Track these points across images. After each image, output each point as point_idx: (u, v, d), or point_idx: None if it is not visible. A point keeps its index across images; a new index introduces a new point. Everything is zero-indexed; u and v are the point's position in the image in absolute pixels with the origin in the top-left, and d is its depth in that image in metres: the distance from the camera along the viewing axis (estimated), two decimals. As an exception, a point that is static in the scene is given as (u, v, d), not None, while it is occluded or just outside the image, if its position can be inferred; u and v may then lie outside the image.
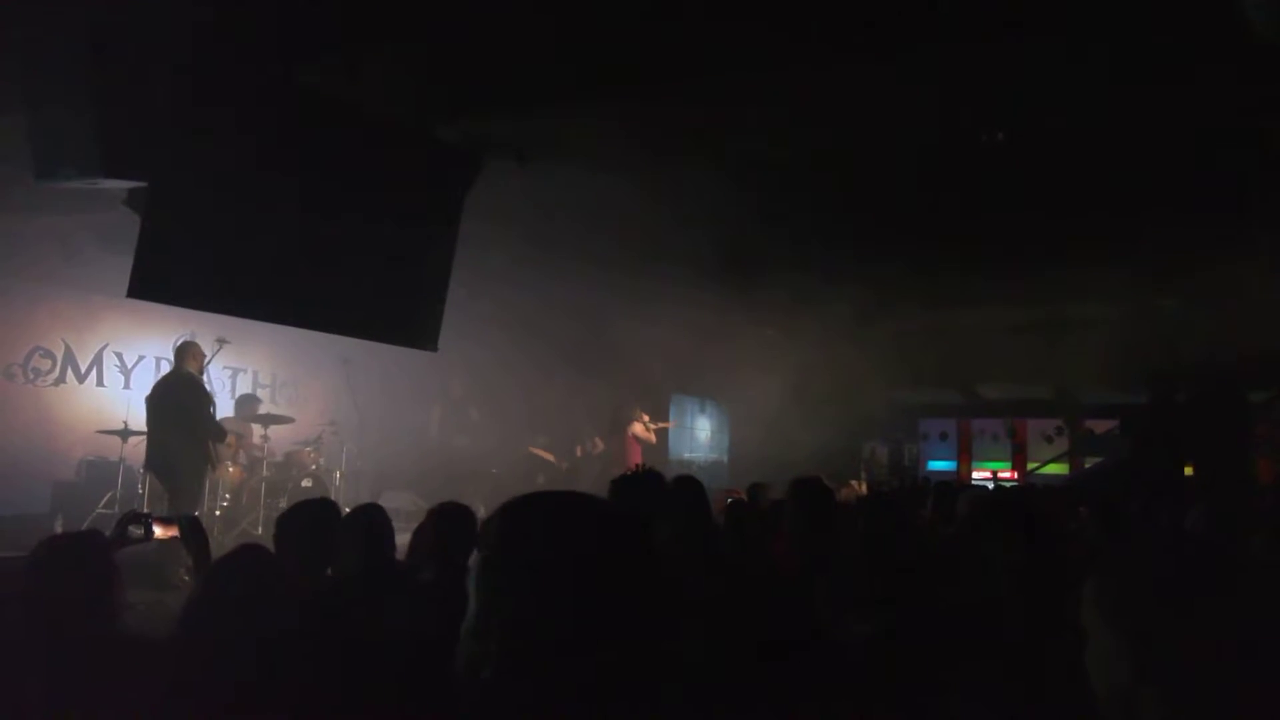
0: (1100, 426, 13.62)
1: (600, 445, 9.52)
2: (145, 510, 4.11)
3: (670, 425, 10.32)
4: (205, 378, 9.06)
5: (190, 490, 6.56)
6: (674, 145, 5.89)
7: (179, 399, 6.74)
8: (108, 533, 2.87)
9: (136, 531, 2.93)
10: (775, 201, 7.04)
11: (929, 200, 6.92)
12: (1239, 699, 0.85)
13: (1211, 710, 0.85)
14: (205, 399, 6.94)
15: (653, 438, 10.05)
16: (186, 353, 7.00)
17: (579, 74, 4.90)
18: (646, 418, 10.05)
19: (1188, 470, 9.98)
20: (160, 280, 4.67)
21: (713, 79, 5.00)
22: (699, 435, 14.98)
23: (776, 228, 7.64)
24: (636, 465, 8.84)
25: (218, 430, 7.12)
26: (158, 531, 2.96)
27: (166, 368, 9.59)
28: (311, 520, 3.01)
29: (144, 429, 6.87)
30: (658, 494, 3.89)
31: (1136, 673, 0.89)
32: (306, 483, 8.58)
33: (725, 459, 15.07)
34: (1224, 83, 4.78)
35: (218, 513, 8.03)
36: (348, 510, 3.34)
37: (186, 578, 6.13)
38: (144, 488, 6.94)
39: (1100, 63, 4.65)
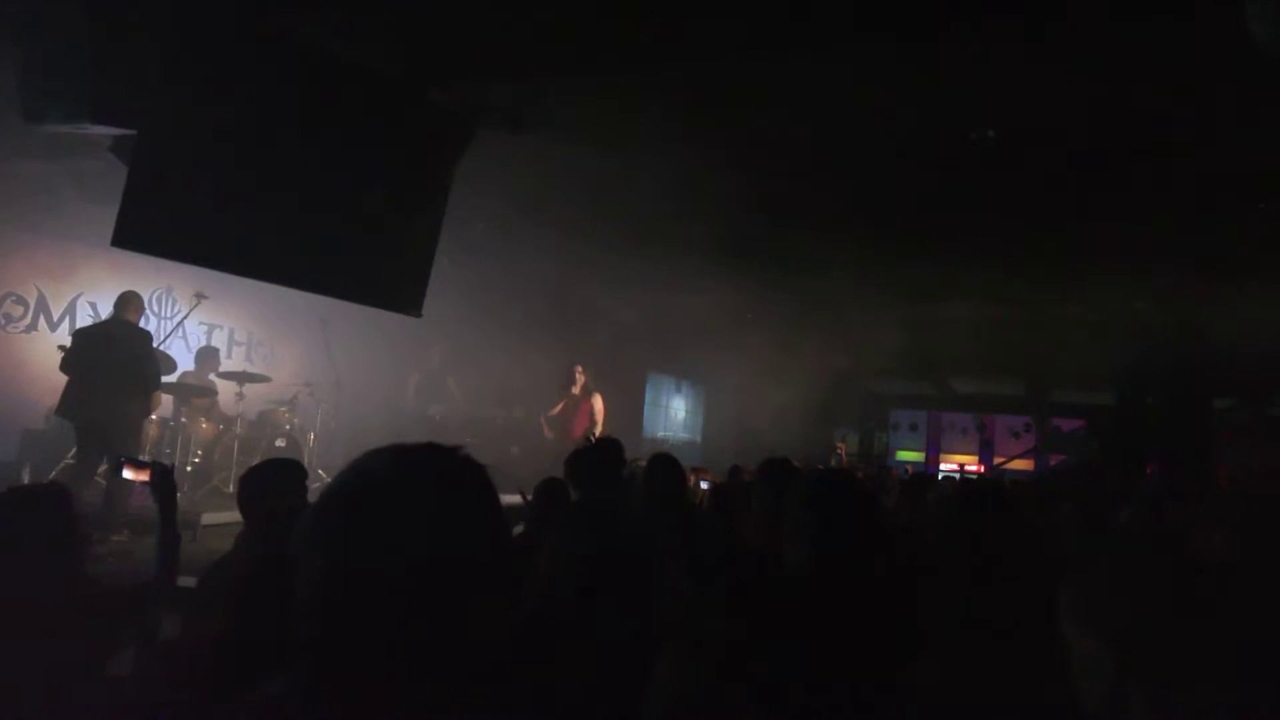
0: (1067, 425, 13.88)
1: (599, 428, 9.46)
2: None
3: (576, 394, 9.26)
4: (180, 332, 9.04)
5: (130, 442, 6.44)
6: (664, 126, 5.89)
7: (133, 349, 6.59)
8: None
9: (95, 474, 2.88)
10: (760, 187, 7.07)
11: (916, 193, 6.98)
12: (1225, 697, 0.84)
13: (1198, 709, 0.85)
14: (153, 350, 6.85)
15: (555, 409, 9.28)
16: (130, 303, 6.81)
17: (576, 45, 4.89)
18: (577, 377, 9.27)
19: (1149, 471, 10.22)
20: (145, 230, 4.63)
21: (706, 61, 5.01)
22: (674, 415, 15.06)
23: (760, 214, 7.67)
24: (587, 435, 8.82)
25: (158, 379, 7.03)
26: (128, 474, 2.93)
27: (142, 320, 9.53)
28: (275, 480, 2.97)
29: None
30: (616, 468, 3.96)
31: (1118, 674, 0.89)
32: (280, 442, 8.55)
33: (699, 439, 15.17)
34: (1202, 87, 4.86)
35: (189, 468, 8.00)
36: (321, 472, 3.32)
37: (125, 535, 6.11)
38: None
39: (1086, 63, 4.71)
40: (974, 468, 14.88)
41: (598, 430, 9.02)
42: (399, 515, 1.00)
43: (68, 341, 7.07)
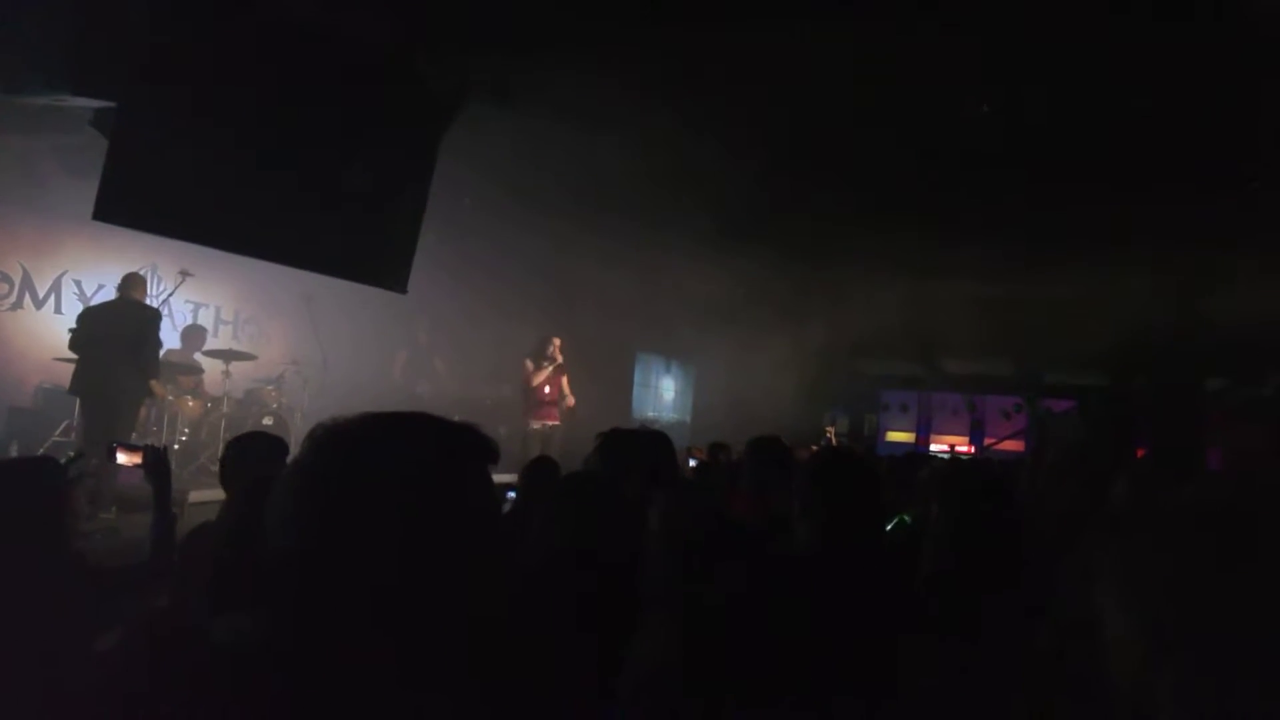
0: (1059, 406, 13.91)
1: (572, 400, 9.37)
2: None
3: (560, 363, 8.92)
4: (165, 310, 8.95)
5: (128, 421, 6.47)
6: (654, 100, 5.83)
7: (139, 329, 6.61)
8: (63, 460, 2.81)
9: (87, 462, 2.87)
10: (752, 165, 7.02)
11: (909, 171, 6.94)
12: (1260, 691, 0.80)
13: (1232, 701, 0.80)
14: (157, 332, 6.84)
15: (537, 377, 8.94)
16: (134, 284, 6.85)
17: (565, 14, 4.82)
18: (551, 349, 8.93)
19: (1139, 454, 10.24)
20: (126, 203, 4.55)
21: (699, 33, 4.94)
22: (663, 395, 15.05)
23: (751, 192, 7.62)
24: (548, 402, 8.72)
25: (158, 365, 7.05)
26: (121, 458, 2.91)
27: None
28: (257, 456, 2.94)
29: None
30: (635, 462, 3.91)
31: (1151, 661, 0.85)
32: (267, 420, 8.50)
33: (688, 420, 15.17)
34: (1197, 65, 4.82)
35: (176, 446, 7.95)
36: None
37: (113, 512, 6.09)
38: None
39: (1083, 39, 4.66)
40: (964, 448, 14.92)
41: (569, 403, 8.96)
42: (381, 467, 1.00)
43: (55, 320, 7.08)
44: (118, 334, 6.52)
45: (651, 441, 4.00)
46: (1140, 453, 10.72)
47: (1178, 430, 10.21)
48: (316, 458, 1.03)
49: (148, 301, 7.13)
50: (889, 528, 3.31)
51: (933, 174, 6.93)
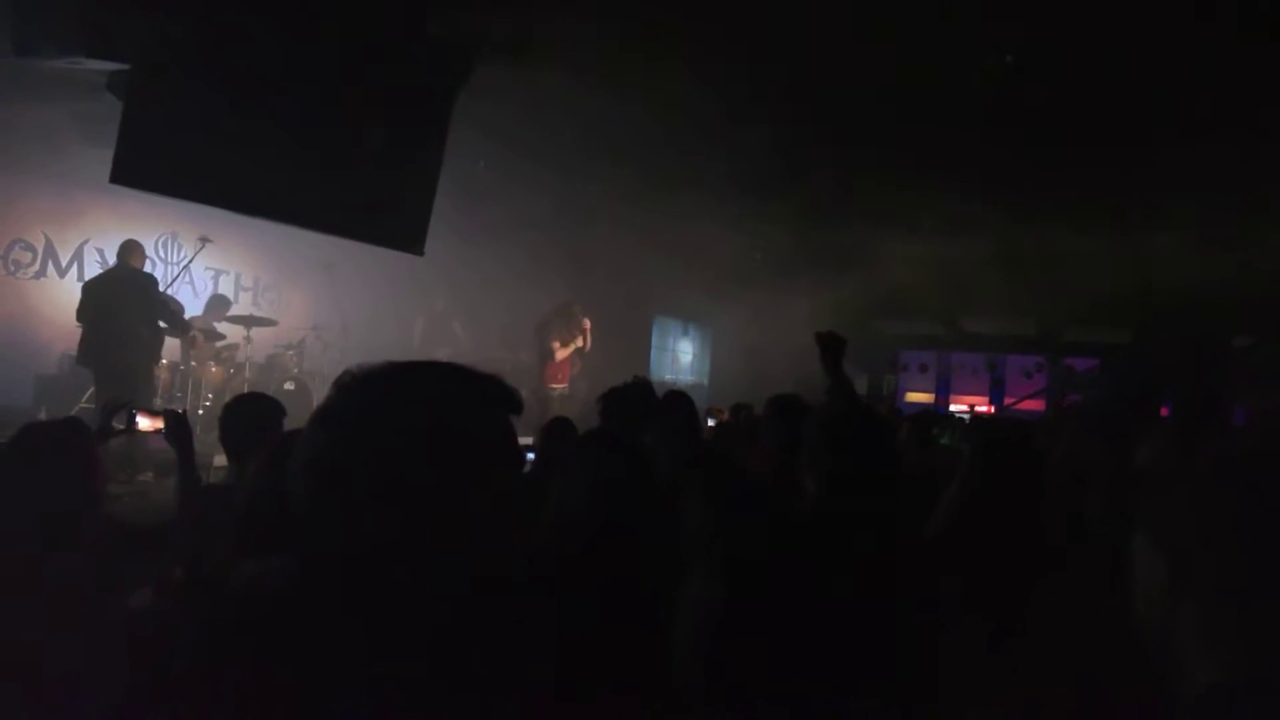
0: (1080, 365, 13.78)
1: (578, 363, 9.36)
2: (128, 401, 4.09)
3: (581, 346, 8.92)
4: (186, 276, 9.02)
5: (146, 387, 6.58)
6: (668, 60, 5.74)
7: (143, 296, 6.70)
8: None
9: (119, 425, 2.91)
10: (768, 121, 6.92)
11: (926, 126, 6.82)
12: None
13: (1256, 618, 0.83)
14: (161, 294, 6.94)
15: (560, 353, 8.93)
16: (133, 251, 6.95)
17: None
18: (577, 322, 8.89)
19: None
20: (142, 166, 4.57)
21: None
22: (681, 358, 15.04)
23: (769, 149, 7.52)
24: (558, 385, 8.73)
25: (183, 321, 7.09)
26: (142, 423, 2.94)
27: (148, 266, 9.48)
28: (249, 417, 2.96)
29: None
30: (647, 413, 3.93)
31: (1172, 588, 0.88)
32: (289, 385, 8.59)
33: (706, 383, 15.16)
34: (1229, 11, 4.69)
35: (200, 412, 8.05)
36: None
37: (149, 475, 6.20)
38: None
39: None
40: (984, 408, 14.83)
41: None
42: (396, 414, 1.02)
43: (79, 288, 7.18)
44: (119, 303, 6.58)
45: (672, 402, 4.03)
46: (1164, 411, 10.64)
47: (1203, 388, 10.09)
48: (342, 400, 1.05)
49: (158, 268, 7.20)
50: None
51: (952, 129, 6.81)
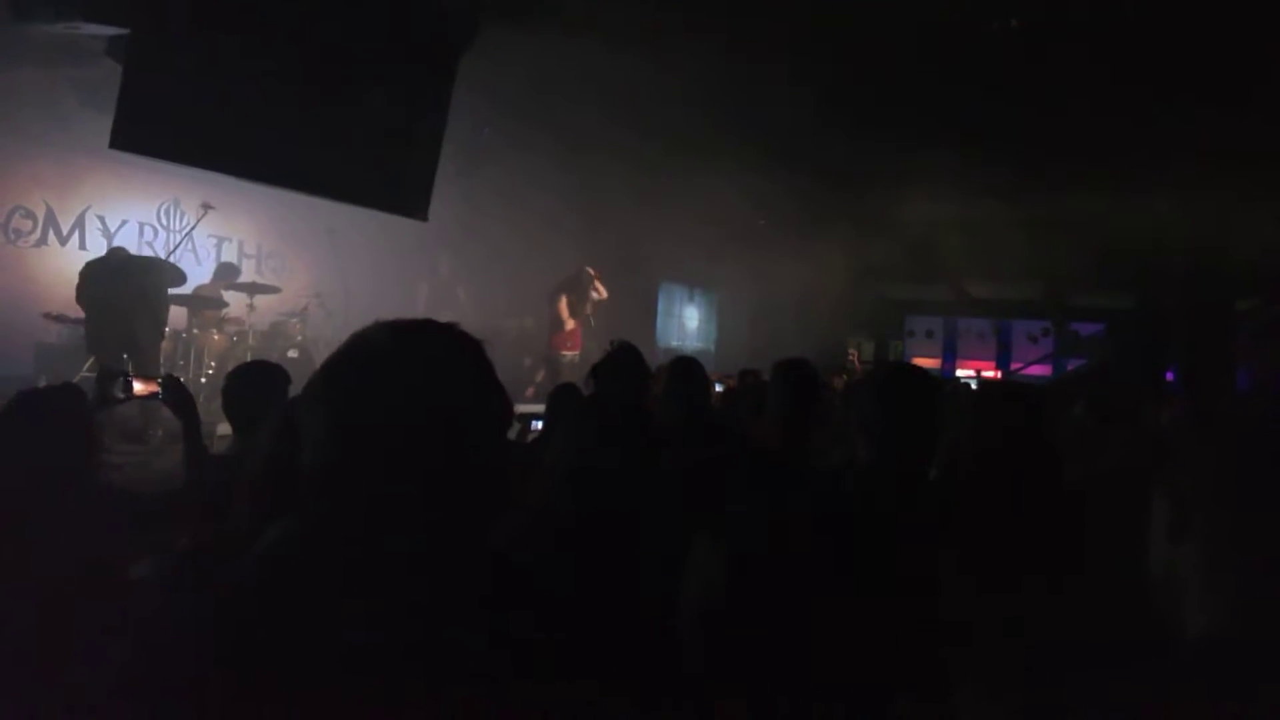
0: (1087, 330, 13.74)
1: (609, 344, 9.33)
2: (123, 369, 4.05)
3: (601, 297, 9.02)
4: (188, 244, 8.98)
5: (150, 366, 6.62)
6: (674, 18, 5.65)
7: (140, 279, 6.76)
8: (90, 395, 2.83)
9: (116, 393, 2.88)
10: (774, 84, 6.83)
11: (934, 87, 6.73)
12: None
13: (1252, 565, 0.88)
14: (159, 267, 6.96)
15: (569, 323, 8.99)
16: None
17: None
18: (592, 288, 8.95)
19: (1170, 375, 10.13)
20: (142, 131, 4.52)
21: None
22: (687, 324, 15.01)
23: (774, 111, 7.43)
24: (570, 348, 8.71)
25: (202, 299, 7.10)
26: (137, 388, 2.92)
27: (150, 233, 9.45)
28: (254, 385, 2.93)
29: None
30: (641, 376, 3.89)
31: (1172, 533, 0.92)
32: (293, 353, 8.57)
33: (712, 349, 15.15)
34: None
35: (203, 380, 8.03)
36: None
37: (160, 432, 6.25)
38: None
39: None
40: (991, 373, 14.81)
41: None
42: (395, 378, 1.04)
43: (80, 256, 7.21)
44: (119, 288, 6.63)
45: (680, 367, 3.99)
46: (1170, 374, 10.63)
47: (1208, 351, 10.05)
48: (336, 361, 1.09)
49: (160, 236, 7.20)
50: None
51: (957, 92, 6.72)
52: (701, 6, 5.55)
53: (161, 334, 7.00)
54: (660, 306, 14.02)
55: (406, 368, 1.05)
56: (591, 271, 8.94)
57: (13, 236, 8.59)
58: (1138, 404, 5.25)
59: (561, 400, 3.81)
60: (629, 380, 3.71)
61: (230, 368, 8.62)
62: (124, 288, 6.63)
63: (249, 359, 8.20)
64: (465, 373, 1.09)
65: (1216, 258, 9.73)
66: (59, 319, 7.53)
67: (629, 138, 8.17)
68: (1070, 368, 13.58)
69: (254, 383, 2.92)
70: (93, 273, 6.85)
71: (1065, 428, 4.65)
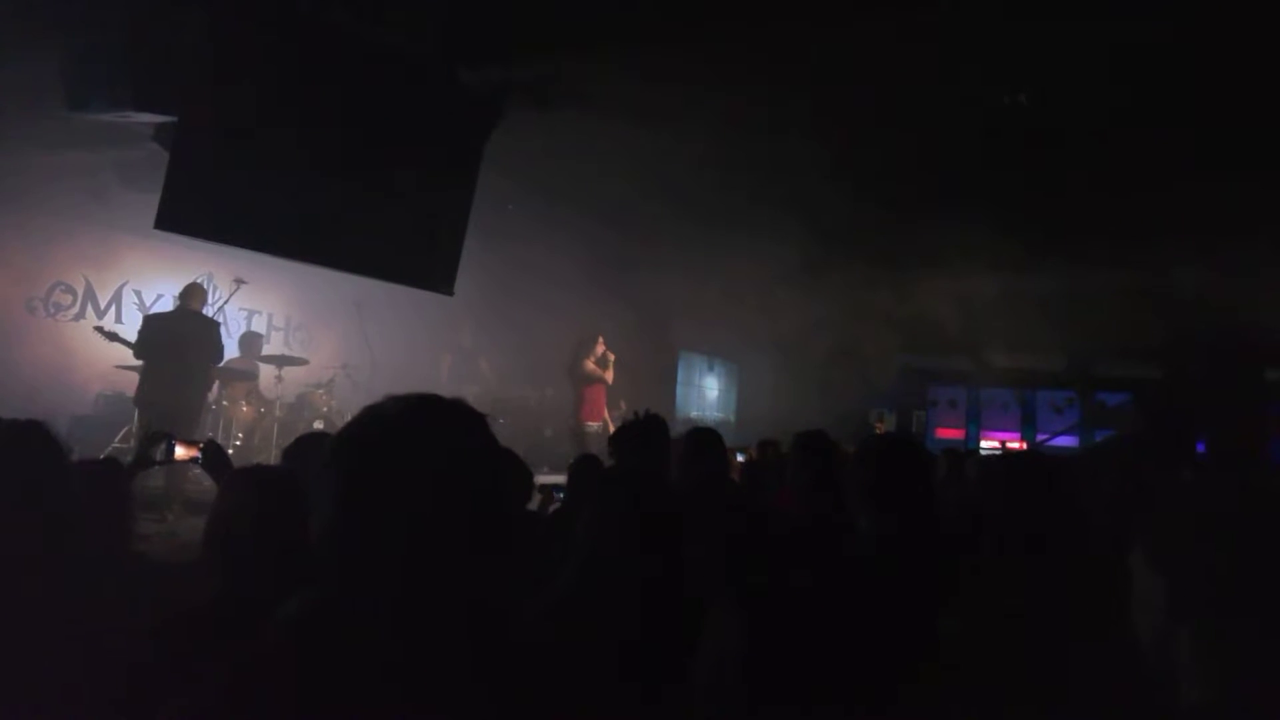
0: (1113, 399, 13.60)
1: (622, 404, 9.34)
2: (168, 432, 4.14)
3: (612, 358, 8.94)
4: (221, 318, 9.19)
5: (191, 428, 6.66)
6: (691, 99, 5.83)
7: (202, 338, 6.82)
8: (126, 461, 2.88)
9: (157, 456, 2.92)
10: (792, 159, 6.98)
11: (945, 163, 6.85)
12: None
13: (1246, 646, 0.90)
14: (219, 339, 7.07)
15: (608, 376, 8.92)
16: (194, 294, 7.12)
17: (602, 20, 4.85)
18: (601, 348, 8.91)
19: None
20: (186, 213, 4.72)
21: (733, 30, 4.94)
22: (707, 394, 15.02)
23: (792, 185, 7.57)
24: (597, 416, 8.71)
25: (234, 370, 7.23)
26: (179, 452, 2.95)
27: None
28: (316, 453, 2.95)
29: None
30: (664, 446, 3.91)
31: (1173, 609, 0.95)
32: (318, 424, 8.66)
33: (732, 419, 15.11)
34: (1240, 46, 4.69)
35: (231, 451, 8.11)
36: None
37: (172, 515, 6.26)
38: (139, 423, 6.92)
39: (1116, 28, 4.57)
40: (1016, 445, 14.64)
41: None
42: (404, 455, 1.07)
43: (105, 325, 7.35)
44: (181, 344, 6.68)
45: (699, 439, 4.01)
46: (1201, 445, 10.47)
47: (1238, 421, 9.92)
48: (347, 433, 1.12)
49: (205, 311, 7.31)
50: None
51: (978, 166, 6.83)
52: (719, 84, 5.72)
53: (205, 398, 7.09)
54: (680, 376, 14.05)
55: (414, 440, 1.08)
56: (601, 339, 8.99)
57: (53, 310, 8.85)
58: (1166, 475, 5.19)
59: (582, 472, 3.84)
60: (650, 451, 3.74)
61: (257, 439, 8.72)
62: (190, 339, 6.72)
63: (276, 430, 8.35)
64: (471, 445, 1.12)
65: (1245, 327, 9.66)
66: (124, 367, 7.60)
67: (649, 210, 8.34)
68: (1098, 438, 13.40)
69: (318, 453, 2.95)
70: (158, 322, 6.97)
71: (1094, 498, 4.61)
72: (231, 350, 9.08)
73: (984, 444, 14.81)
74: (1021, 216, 8.06)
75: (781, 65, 5.42)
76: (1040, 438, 14.40)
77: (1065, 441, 13.70)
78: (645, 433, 3.82)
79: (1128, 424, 12.50)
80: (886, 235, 8.99)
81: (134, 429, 7.52)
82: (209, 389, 7.14)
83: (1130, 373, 13.32)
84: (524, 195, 7.94)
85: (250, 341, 9.31)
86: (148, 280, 9.47)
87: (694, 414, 13.79)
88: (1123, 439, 12.21)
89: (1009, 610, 1.99)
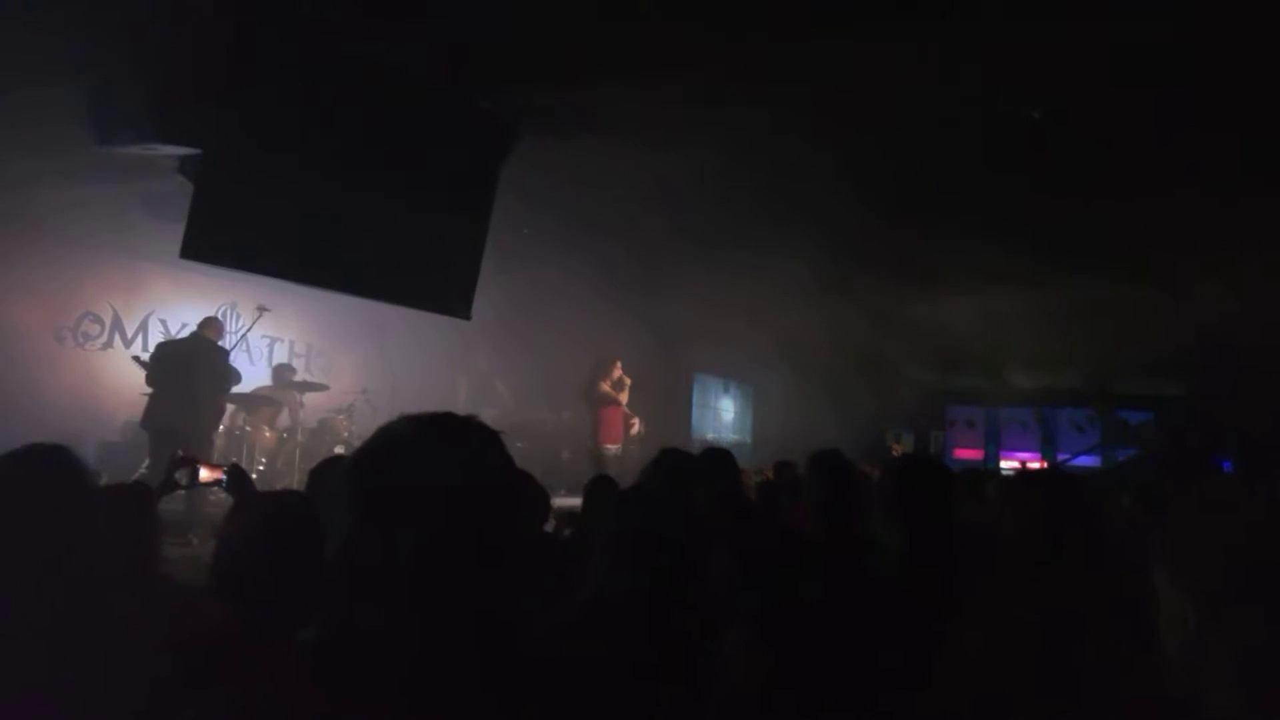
0: (1135, 418, 13.46)
1: (637, 425, 9.37)
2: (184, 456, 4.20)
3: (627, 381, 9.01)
4: (244, 345, 9.33)
5: (202, 452, 6.73)
6: (705, 119, 5.89)
7: (212, 365, 6.92)
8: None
9: (181, 480, 2.98)
10: (807, 179, 7.02)
11: (965, 180, 6.87)
12: None
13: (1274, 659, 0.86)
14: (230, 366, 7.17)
15: (622, 398, 8.98)
16: (210, 325, 7.26)
17: (619, 46, 4.94)
18: (618, 371, 8.97)
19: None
20: (211, 243, 4.84)
21: (751, 53, 5.01)
22: (723, 416, 15.00)
23: (807, 205, 7.61)
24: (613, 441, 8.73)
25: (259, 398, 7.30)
26: (204, 475, 3.02)
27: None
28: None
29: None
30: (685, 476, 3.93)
31: (1202, 625, 0.92)
32: (339, 449, 8.75)
33: (749, 440, 15.08)
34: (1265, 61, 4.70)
35: (254, 476, 8.20)
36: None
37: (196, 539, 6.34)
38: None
39: (1138, 41, 4.59)
40: (1036, 465, 14.49)
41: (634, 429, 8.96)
42: (417, 472, 1.08)
43: (142, 354, 7.46)
44: (190, 370, 6.75)
45: (713, 459, 4.04)
46: (1226, 464, 10.34)
47: (1263, 439, 9.80)
48: (361, 456, 1.13)
49: (221, 342, 7.39)
50: None
51: (996, 182, 6.84)
52: (734, 105, 5.79)
53: (214, 423, 7.17)
54: (695, 398, 14.05)
55: (426, 457, 1.09)
56: (618, 363, 9.03)
57: (81, 340, 9.02)
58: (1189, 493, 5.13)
59: (597, 493, 3.88)
60: (671, 479, 3.77)
61: (279, 464, 8.80)
62: (195, 365, 6.80)
63: (298, 455, 8.44)
64: (483, 461, 1.13)
65: (1271, 343, 9.56)
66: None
67: (664, 232, 8.40)
68: (1121, 457, 13.24)
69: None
70: (167, 349, 7.10)
71: (1114, 517, 4.57)
72: (261, 377, 9.23)
73: (1004, 464, 14.66)
74: (1040, 231, 8.05)
75: (799, 85, 5.47)
76: (1061, 457, 14.23)
77: (1087, 461, 13.54)
78: (666, 468, 3.84)
79: (1151, 443, 12.36)
80: (903, 253, 8.99)
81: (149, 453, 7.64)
82: (219, 414, 7.20)
83: (1152, 390, 13.18)
84: (540, 218, 8.03)
85: (282, 372, 9.47)
86: (173, 309, 9.64)
87: (710, 436, 13.78)
88: (1146, 458, 12.08)
89: (1029, 626, 2.01)
